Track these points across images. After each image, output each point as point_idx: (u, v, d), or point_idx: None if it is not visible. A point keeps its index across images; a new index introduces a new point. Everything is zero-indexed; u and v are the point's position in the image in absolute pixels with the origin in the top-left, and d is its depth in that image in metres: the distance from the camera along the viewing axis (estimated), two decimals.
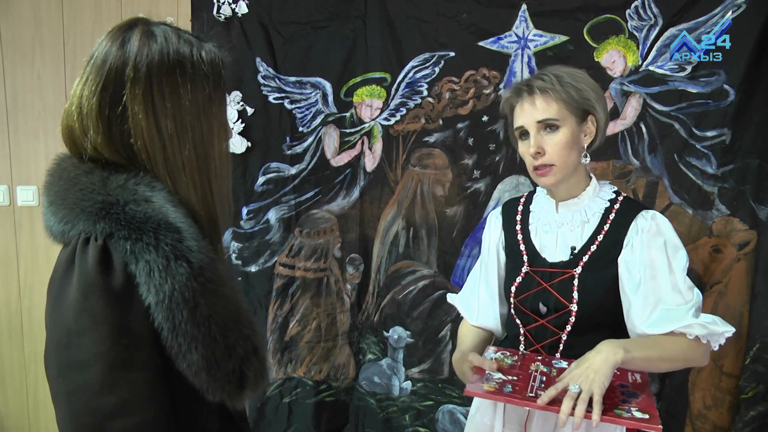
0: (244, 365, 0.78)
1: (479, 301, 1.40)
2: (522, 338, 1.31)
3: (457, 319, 1.64)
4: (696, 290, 1.19)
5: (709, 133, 1.87)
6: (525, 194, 1.41)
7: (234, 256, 2.25)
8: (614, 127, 1.95)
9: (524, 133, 1.24)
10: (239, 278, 2.24)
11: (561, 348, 1.24)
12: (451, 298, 1.51)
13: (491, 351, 1.27)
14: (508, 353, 1.25)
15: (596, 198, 1.26)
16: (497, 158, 2.07)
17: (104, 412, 0.70)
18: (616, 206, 1.25)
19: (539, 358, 1.23)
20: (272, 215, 2.24)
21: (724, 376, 1.91)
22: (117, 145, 0.79)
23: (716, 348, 1.17)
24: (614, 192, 1.28)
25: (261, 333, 0.83)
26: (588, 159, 1.25)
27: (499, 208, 1.43)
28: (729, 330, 1.15)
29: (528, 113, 1.21)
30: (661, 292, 1.16)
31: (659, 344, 1.14)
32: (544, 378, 1.13)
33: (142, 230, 0.73)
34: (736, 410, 1.89)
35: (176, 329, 0.72)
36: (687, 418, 1.95)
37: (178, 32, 0.82)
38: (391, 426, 2.21)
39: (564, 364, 1.18)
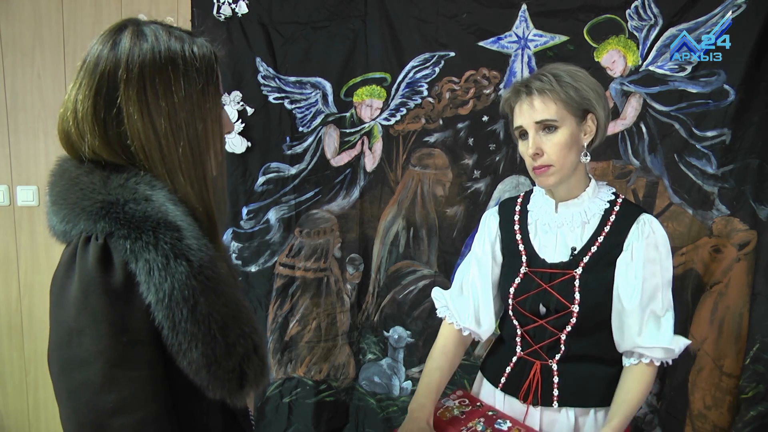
0: (245, 363, 0.78)
1: (475, 301, 1.36)
2: (519, 339, 1.31)
3: None
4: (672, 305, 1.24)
5: (709, 133, 1.87)
6: (522, 194, 1.40)
7: (234, 256, 2.25)
8: (614, 127, 1.95)
9: (523, 133, 1.24)
10: (239, 278, 2.24)
11: (562, 348, 1.24)
12: (440, 308, 1.43)
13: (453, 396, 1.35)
14: (467, 401, 1.31)
15: (596, 199, 1.26)
16: (497, 158, 2.06)
17: (105, 410, 0.70)
18: (616, 208, 1.25)
19: (490, 413, 1.25)
20: (272, 215, 2.23)
21: (724, 376, 1.91)
22: (114, 146, 0.79)
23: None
24: (613, 193, 1.28)
25: (261, 331, 0.83)
26: (588, 158, 1.24)
27: (495, 208, 1.43)
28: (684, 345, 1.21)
29: (526, 114, 1.21)
30: (655, 305, 1.20)
31: (632, 398, 1.18)
32: None
33: (141, 229, 0.74)
34: (736, 410, 1.89)
35: (176, 327, 0.73)
36: (687, 418, 1.95)
37: (169, 29, 0.82)
38: (392, 426, 2.21)
39: (505, 429, 1.21)
